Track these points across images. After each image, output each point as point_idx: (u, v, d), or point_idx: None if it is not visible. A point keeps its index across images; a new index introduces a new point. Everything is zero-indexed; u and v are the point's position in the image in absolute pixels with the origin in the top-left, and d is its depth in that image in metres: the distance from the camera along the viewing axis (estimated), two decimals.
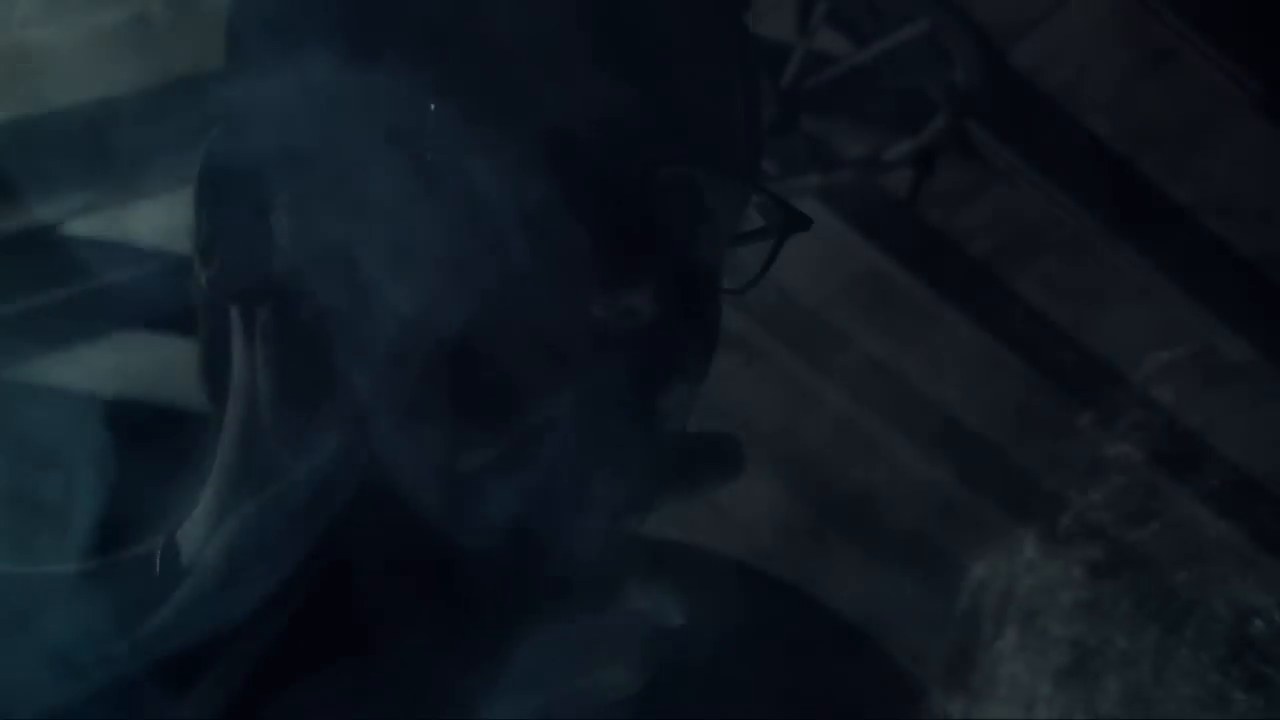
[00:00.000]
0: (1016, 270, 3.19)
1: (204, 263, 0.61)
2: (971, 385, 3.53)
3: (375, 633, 0.57)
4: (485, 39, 0.56)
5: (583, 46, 0.56)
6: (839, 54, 2.48)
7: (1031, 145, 2.80)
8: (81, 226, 2.98)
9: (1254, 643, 3.46)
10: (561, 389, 0.54)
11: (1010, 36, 2.73)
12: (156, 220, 3.00)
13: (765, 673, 0.67)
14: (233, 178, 0.60)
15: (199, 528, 0.63)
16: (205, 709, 0.54)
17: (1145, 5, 2.44)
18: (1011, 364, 3.25)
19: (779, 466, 3.91)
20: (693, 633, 0.65)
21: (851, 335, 3.52)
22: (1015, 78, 2.77)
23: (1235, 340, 2.95)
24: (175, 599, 0.56)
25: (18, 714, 0.57)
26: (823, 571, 4.16)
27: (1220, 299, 2.91)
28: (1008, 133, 2.78)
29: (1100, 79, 2.72)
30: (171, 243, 3.07)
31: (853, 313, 3.47)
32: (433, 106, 0.55)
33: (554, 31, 0.56)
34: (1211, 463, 3.33)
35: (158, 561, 0.63)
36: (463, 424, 0.54)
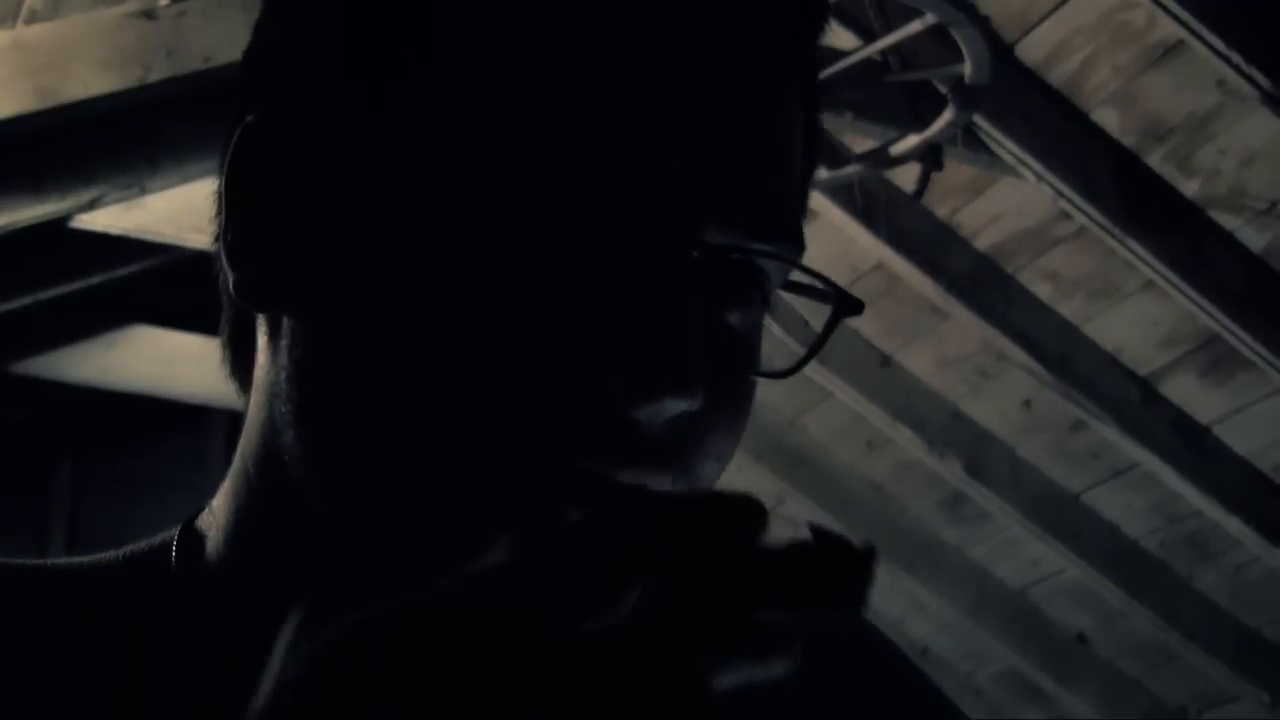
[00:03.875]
0: (1023, 264, 3.19)
1: (232, 262, 0.57)
2: (978, 379, 3.52)
3: None
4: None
5: (645, 129, 0.53)
6: (847, 48, 2.48)
7: (1039, 139, 2.80)
8: (92, 220, 2.99)
9: None
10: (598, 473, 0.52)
11: (1018, 30, 2.73)
12: (164, 214, 3.00)
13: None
14: (269, 173, 0.57)
15: (218, 517, 0.62)
16: None
17: None
18: (1018, 358, 3.25)
19: (784, 460, 3.91)
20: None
21: (858, 329, 3.52)
22: (1023, 71, 2.76)
23: (1243, 334, 2.94)
24: None
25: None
26: None
27: (1228, 293, 2.91)
28: (1015, 127, 2.78)
29: (1107, 72, 2.72)
30: (180, 237, 3.07)
31: None
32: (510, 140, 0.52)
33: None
34: (1219, 457, 3.33)
35: (174, 551, 0.63)
36: (501, 473, 0.52)
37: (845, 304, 0.58)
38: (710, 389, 0.53)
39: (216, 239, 0.59)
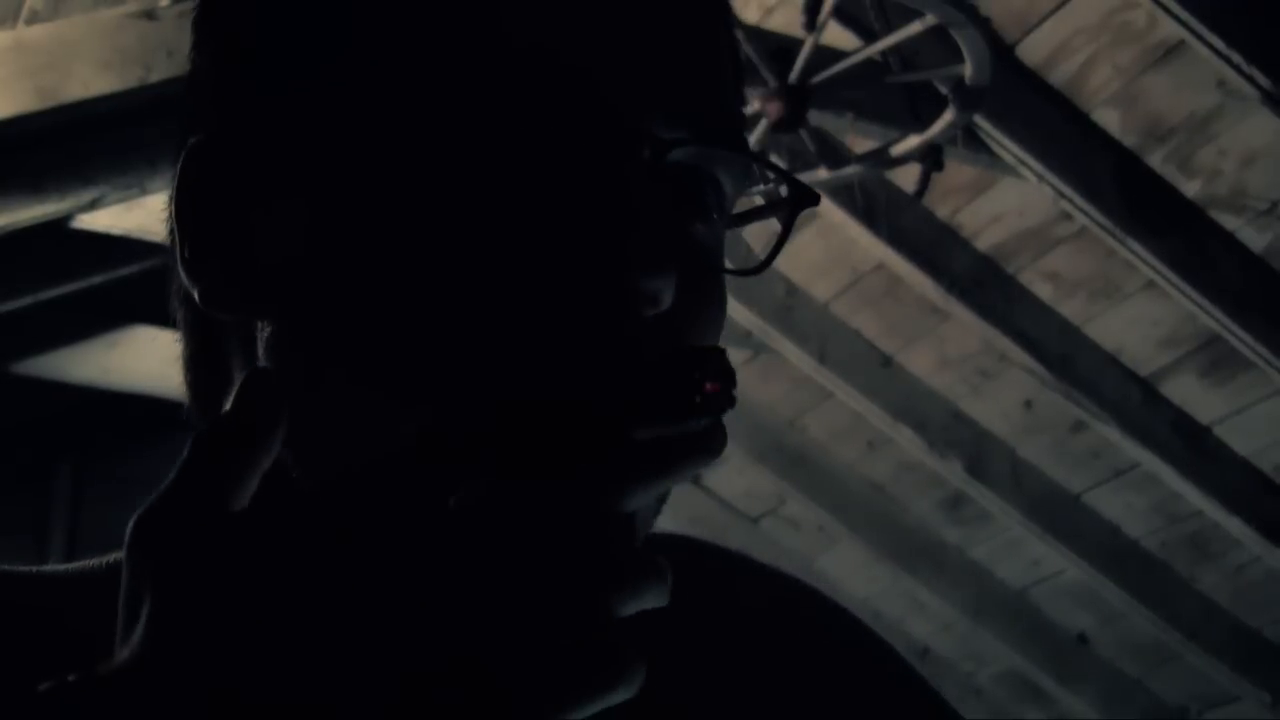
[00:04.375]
0: (1024, 265, 3.19)
1: (192, 276, 0.58)
2: (979, 379, 3.52)
3: None
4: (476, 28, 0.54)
5: (577, 30, 0.54)
6: (847, 48, 2.48)
7: (1039, 140, 2.80)
8: (92, 220, 2.99)
9: None
10: (583, 381, 0.52)
11: (1018, 31, 2.73)
12: (165, 214, 3.00)
13: (767, 666, 0.67)
14: (220, 186, 0.58)
15: None
16: None
17: None
18: (1019, 358, 3.25)
19: (785, 461, 3.91)
20: (693, 626, 0.65)
21: (859, 329, 3.52)
22: (1023, 72, 2.76)
23: (1243, 334, 2.94)
24: None
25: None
26: (829, 565, 4.16)
27: (1228, 293, 2.91)
28: (1016, 127, 2.78)
29: (1108, 73, 2.72)
30: None
31: (860, 307, 3.47)
32: (433, 103, 0.54)
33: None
34: (1220, 457, 3.33)
35: None
36: (477, 442, 0.51)
37: (800, 195, 0.58)
38: (684, 294, 0.53)
39: (174, 264, 0.60)
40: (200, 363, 0.63)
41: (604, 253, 0.52)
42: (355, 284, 0.54)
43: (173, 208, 0.60)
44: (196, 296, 0.58)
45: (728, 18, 0.61)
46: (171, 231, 0.60)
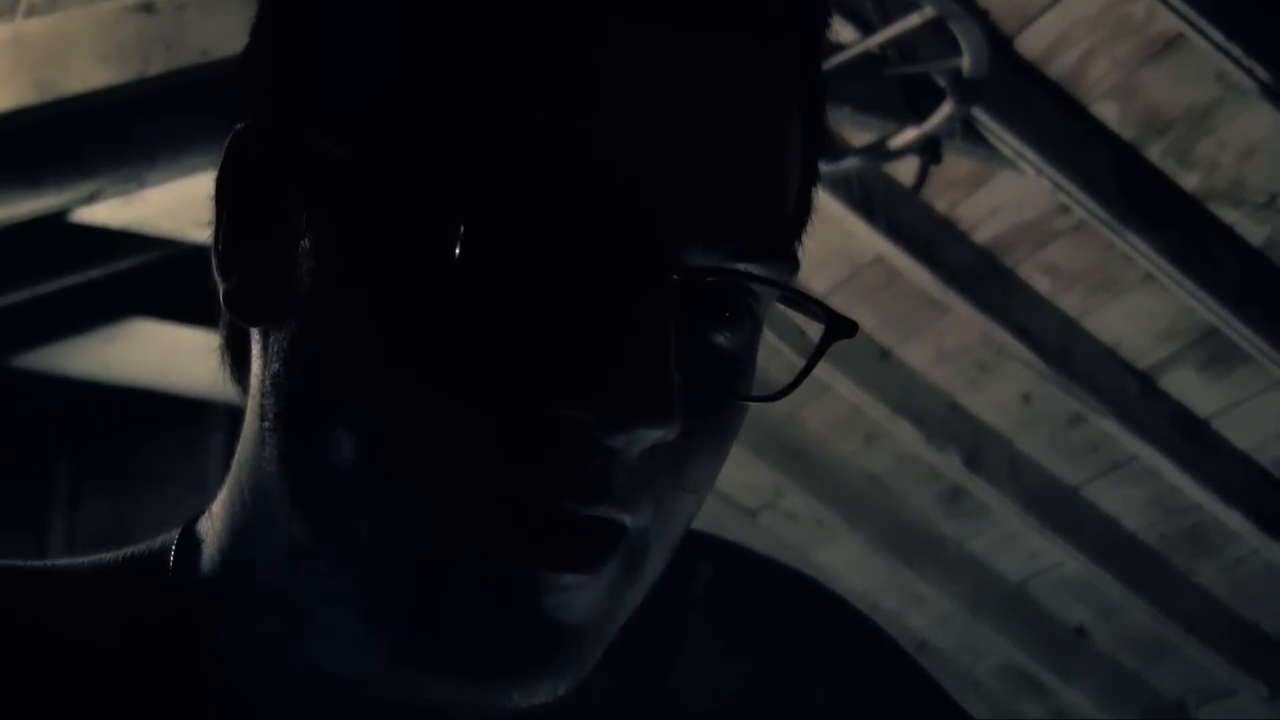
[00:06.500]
0: (1023, 258, 3.19)
1: (221, 272, 0.56)
2: (977, 373, 3.53)
3: None
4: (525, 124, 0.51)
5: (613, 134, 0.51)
6: (845, 41, 2.48)
7: (1038, 132, 2.80)
8: (91, 214, 2.99)
9: None
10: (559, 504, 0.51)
11: (1017, 23, 2.73)
12: (164, 208, 3.00)
13: (766, 658, 0.67)
14: (256, 182, 0.56)
15: (215, 523, 0.61)
16: None
17: None
18: (1017, 351, 3.25)
19: (783, 454, 3.91)
20: (692, 617, 0.65)
21: (857, 323, 3.52)
22: (1022, 64, 2.76)
23: (1242, 327, 2.94)
24: None
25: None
26: (827, 558, 4.17)
27: (1227, 286, 2.91)
28: (1014, 120, 2.78)
29: (1107, 65, 2.72)
30: (179, 231, 3.07)
31: (858, 300, 3.47)
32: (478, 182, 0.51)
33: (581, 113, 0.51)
34: (1219, 451, 3.33)
35: (173, 554, 0.62)
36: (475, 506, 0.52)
37: (837, 326, 0.56)
38: (693, 415, 0.52)
39: (210, 246, 0.58)
40: (233, 340, 0.61)
41: (606, 395, 0.50)
42: (346, 326, 0.53)
43: (215, 192, 0.57)
44: (220, 295, 0.57)
45: (815, 130, 0.58)
46: (212, 215, 0.58)
